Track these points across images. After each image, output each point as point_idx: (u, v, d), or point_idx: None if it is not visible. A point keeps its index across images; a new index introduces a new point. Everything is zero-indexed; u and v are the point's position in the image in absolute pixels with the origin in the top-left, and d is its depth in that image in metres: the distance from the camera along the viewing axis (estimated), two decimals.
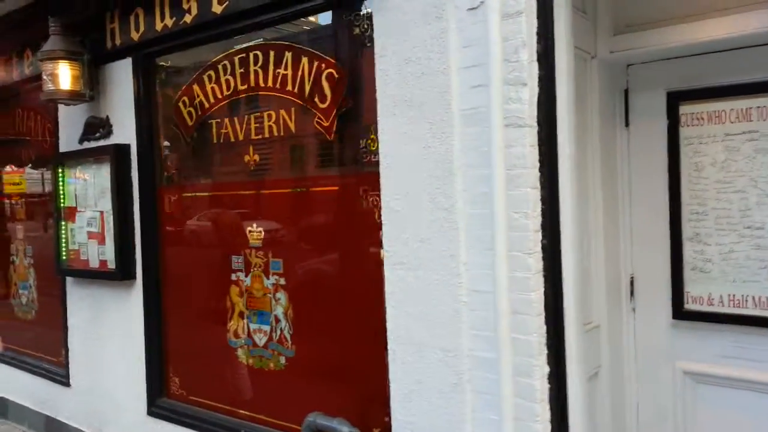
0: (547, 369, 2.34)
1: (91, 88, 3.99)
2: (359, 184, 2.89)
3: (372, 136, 2.82)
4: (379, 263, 2.80)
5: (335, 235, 3.05)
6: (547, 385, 2.34)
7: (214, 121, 3.49)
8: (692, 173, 2.84)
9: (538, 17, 2.30)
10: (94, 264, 4.15)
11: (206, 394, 3.66)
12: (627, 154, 3.01)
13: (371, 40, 2.73)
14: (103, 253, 4.08)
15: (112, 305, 4.08)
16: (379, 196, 2.79)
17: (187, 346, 3.78)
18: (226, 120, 3.43)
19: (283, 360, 3.25)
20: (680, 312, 2.90)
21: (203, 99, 3.52)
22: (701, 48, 2.73)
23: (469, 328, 2.44)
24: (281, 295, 3.24)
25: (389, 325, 2.67)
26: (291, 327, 3.21)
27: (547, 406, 2.34)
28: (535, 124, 2.30)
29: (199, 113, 3.55)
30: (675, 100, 2.86)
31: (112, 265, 4.00)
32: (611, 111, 2.97)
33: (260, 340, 3.35)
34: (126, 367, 4.01)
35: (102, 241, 4.08)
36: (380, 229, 2.78)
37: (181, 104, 3.65)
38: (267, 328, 3.31)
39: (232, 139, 3.41)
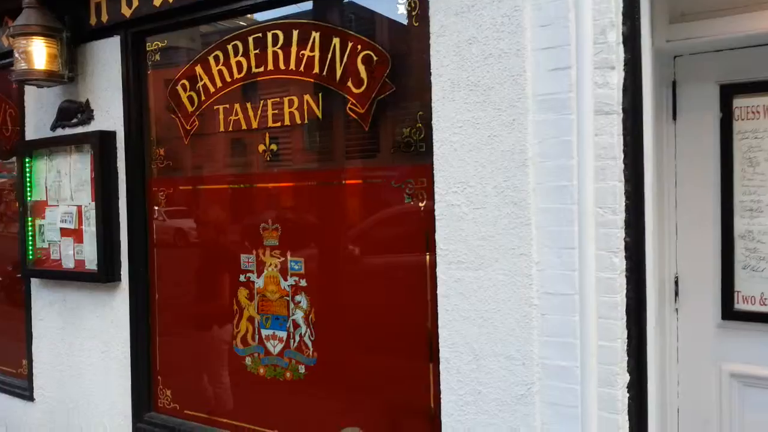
0: (627, 377, 2.17)
1: (71, 69, 3.55)
2: (401, 176, 2.64)
3: (418, 125, 2.58)
4: (423, 263, 2.58)
5: (369, 232, 2.79)
6: (626, 395, 2.17)
7: (221, 107, 3.15)
8: (746, 168, 2.74)
9: None
10: (69, 264, 3.71)
11: (205, 407, 3.30)
12: (674, 148, 2.88)
13: (420, 19, 2.50)
14: (80, 253, 3.65)
15: (90, 310, 3.65)
16: (424, 189, 2.57)
17: (181, 356, 3.41)
18: (236, 106, 3.10)
19: (302, 369, 2.95)
20: (730, 312, 2.79)
21: (208, 82, 3.17)
22: (759, 39, 2.64)
23: (539, 333, 2.24)
24: (302, 298, 2.94)
25: (442, 332, 2.43)
26: (313, 333, 2.91)
27: (626, 417, 2.17)
28: (621, 111, 2.13)
29: (203, 98, 3.20)
30: (729, 92, 2.75)
31: (92, 265, 3.57)
32: (659, 103, 2.83)
33: (274, 347, 3.04)
34: (106, 379, 3.59)
35: (79, 239, 3.65)
36: (425, 225, 2.56)
37: (179, 88, 3.28)
38: (283, 334, 3.00)
39: (244, 127, 3.08)
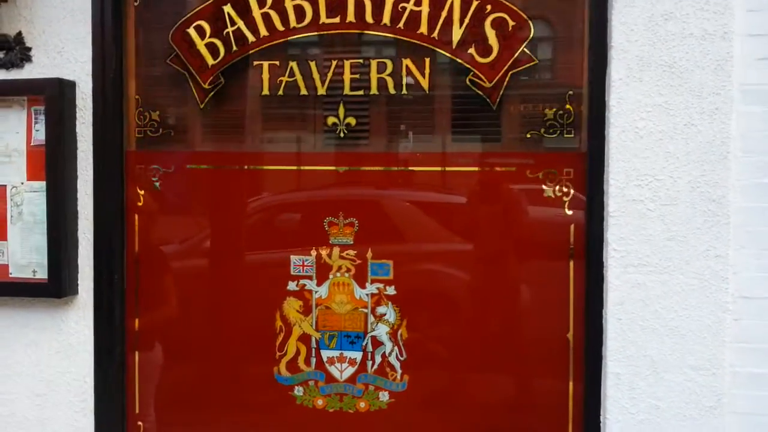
0: None
1: None
2: (540, 165, 2.27)
3: (567, 106, 2.24)
4: (565, 266, 2.28)
5: (489, 229, 2.35)
6: None
7: (266, 63, 2.40)
8: None
9: None
10: None
11: None
12: None
13: None
14: (1, 254, 2.52)
15: (14, 339, 2.54)
16: (570, 181, 2.25)
17: (175, 393, 2.55)
18: (293, 64, 2.39)
19: (384, 397, 2.40)
20: None
21: (245, 29, 2.39)
22: None
23: (731, 340, 2.10)
24: (387, 309, 2.39)
25: (612, 344, 2.15)
26: (402, 351, 2.38)
27: None
28: None
29: (235, 49, 2.41)
30: None
31: (22, 272, 2.49)
32: None
33: (341, 372, 2.42)
34: None
35: (0, 234, 2.52)
36: (568, 221, 2.25)
37: (193, 32, 2.43)
38: (356, 355, 2.41)
39: (303, 92, 2.39)
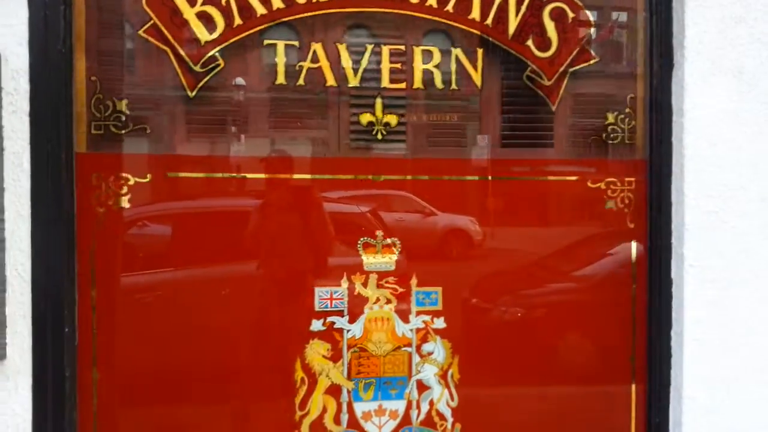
0: None
1: None
2: (601, 174, 2.06)
3: (627, 109, 2.07)
4: (627, 286, 2.09)
5: (549, 246, 2.07)
6: None
7: (281, 43, 1.88)
8: None
9: None
10: None
11: None
12: None
13: None
14: None
15: None
16: (632, 191, 2.09)
17: None
18: (315, 46, 1.90)
19: None
20: None
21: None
22: None
23: None
24: (434, 347, 2.00)
25: (689, 366, 2.00)
26: (453, 395, 2.01)
27: None
28: None
29: (237, 22, 1.86)
30: None
31: None
32: None
33: (380, 427, 1.97)
34: None
35: None
36: (631, 236, 2.09)
37: None
38: (398, 405, 1.98)
39: (330, 83, 1.91)
